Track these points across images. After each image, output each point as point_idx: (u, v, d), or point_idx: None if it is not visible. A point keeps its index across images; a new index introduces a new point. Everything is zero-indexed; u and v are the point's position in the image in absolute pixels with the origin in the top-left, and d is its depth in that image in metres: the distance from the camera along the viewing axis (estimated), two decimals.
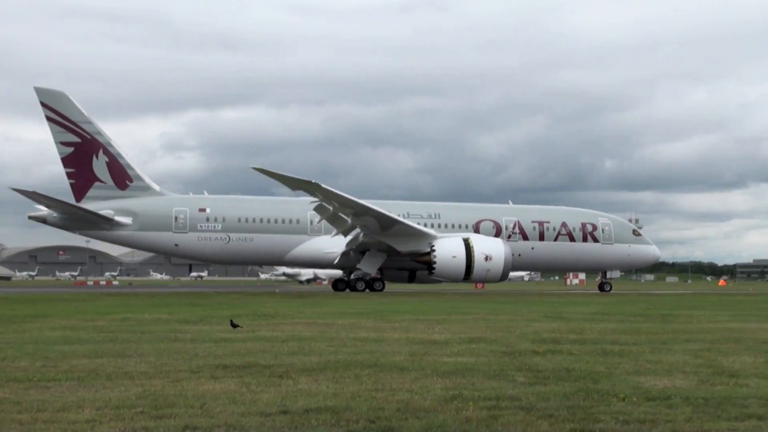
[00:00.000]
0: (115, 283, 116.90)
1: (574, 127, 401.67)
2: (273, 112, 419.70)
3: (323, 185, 51.78)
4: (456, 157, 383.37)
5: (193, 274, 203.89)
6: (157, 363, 14.18)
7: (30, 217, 58.46)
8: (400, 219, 56.98)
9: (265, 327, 22.11)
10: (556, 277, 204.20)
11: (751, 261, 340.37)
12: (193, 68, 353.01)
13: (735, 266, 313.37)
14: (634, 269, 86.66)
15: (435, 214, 62.05)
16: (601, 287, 66.90)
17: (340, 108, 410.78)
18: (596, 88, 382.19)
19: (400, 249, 57.39)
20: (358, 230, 57.31)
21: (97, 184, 57.77)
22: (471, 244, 56.62)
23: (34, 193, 55.73)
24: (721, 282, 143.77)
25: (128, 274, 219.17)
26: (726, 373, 13.46)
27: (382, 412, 9.93)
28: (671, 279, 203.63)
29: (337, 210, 55.28)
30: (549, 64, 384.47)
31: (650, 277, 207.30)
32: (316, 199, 54.55)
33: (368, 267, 59.01)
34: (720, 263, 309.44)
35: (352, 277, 60.64)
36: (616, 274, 68.41)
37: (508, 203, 66.39)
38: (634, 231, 65.76)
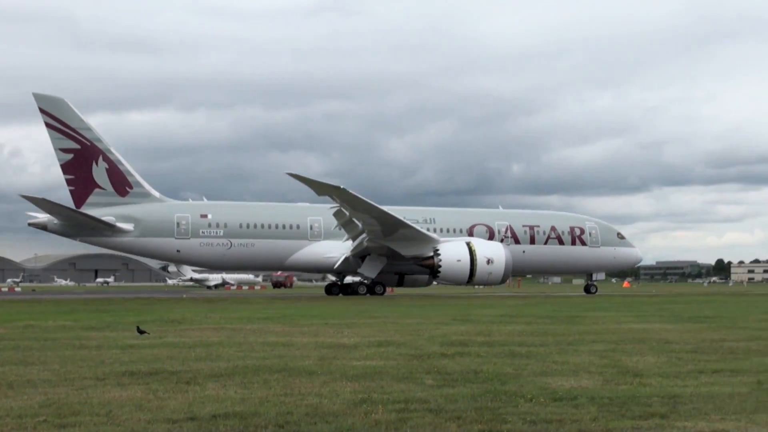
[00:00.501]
0: (18, 289, 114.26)
1: (483, 131, 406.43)
2: (181, 115, 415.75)
3: (349, 190, 53.37)
4: (365, 161, 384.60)
5: (99, 279, 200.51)
6: (61, 371, 13.90)
7: (30, 224, 58.23)
8: (411, 224, 58.26)
9: (172, 333, 21.86)
10: None
11: (654, 263, 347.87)
12: (99, 70, 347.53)
13: (639, 268, 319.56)
14: (619, 271, 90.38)
15: (430, 219, 63.19)
16: (587, 289, 68.98)
17: (249, 111, 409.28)
18: (505, 92, 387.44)
19: (404, 253, 58.72)
20: (363, 235, 58.64)
21: (97, 190, 57.71)
22: (473, 248, 58.12)
23: (44, 200, 55.38)
24: (626, 284, 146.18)
25: (31, 281, 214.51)
26: (630, 373, 13.69)
27: (290, 416, 9.88)
28: (577, 281, 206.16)
29: (353, 215, 56.58)
30: (458, 69, 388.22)
31: (557, 279, 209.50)
32: (336, 205, 56.28)
33: (369, 271, 60.14)
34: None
35: (348, 280, 63.24)
36: (602, 276, 71.55)
37: (498, 208, 68.17)
38: (618, 234, 68.02)
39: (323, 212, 61.00)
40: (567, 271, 77.43)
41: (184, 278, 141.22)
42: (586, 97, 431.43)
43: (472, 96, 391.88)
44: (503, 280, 61.04)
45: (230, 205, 63.95)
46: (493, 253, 58.18)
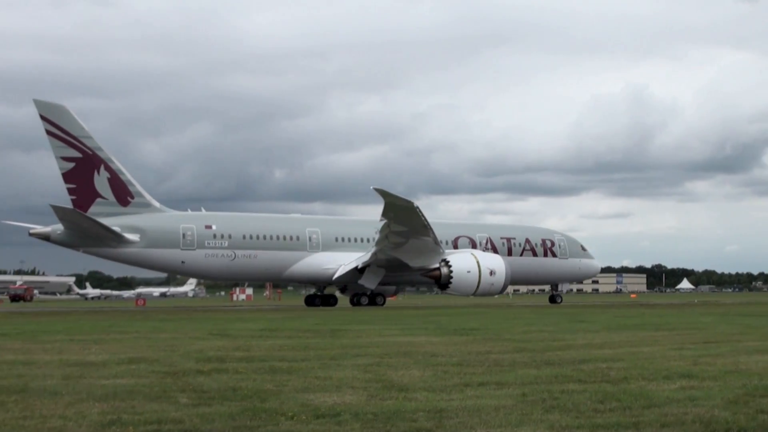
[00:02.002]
0: None
1: (244, 134, 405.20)
2: None
3: (418, 207, 58.00)
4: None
5: None
6: None
7: (31, 234, 59.18)
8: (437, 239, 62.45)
9: None
10: (222, 293, 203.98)
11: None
12: None
13: None
14: (581, 281, 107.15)
15: None
16: (552, 299, 75.55)
17: None
18: (267, 94, 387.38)
19: (412, 264, 62.79)
20: (377, 247, 62.14)
21: (98, 200, 58.83)
22: (477, 260, 63.20)
23: (73, 210, 56.42)
24: (392, 296, 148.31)
25: None
26: (395, 388, 13.98)
27: None
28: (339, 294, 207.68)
29: (393, 228, 59.54)
30: (219, 68, 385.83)
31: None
32: (384, 219, 59.38)
33: (369, 282, 63.77)
34: None
35: (337, 291, 68.32)
36: (567, 286, 79.28)
37: (474, 220, 74.59)
38: (581, 246, 75.56)
39: (321, 224, 66.81)
40: (538, 282, 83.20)
41: None
42: (352, 101, 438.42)
43: (233, 97, 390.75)
44: (502, 291, 66.60)
45: (234, 216, 66.59)
46: (495, 265, 63.05)
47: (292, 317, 43.25)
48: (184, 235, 60.55)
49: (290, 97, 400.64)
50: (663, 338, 25.79)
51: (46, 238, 58.37)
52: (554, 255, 72.67)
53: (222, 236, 61.61)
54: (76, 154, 57.95)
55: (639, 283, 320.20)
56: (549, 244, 72.71)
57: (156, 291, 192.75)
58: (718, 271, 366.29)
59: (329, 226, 66.67)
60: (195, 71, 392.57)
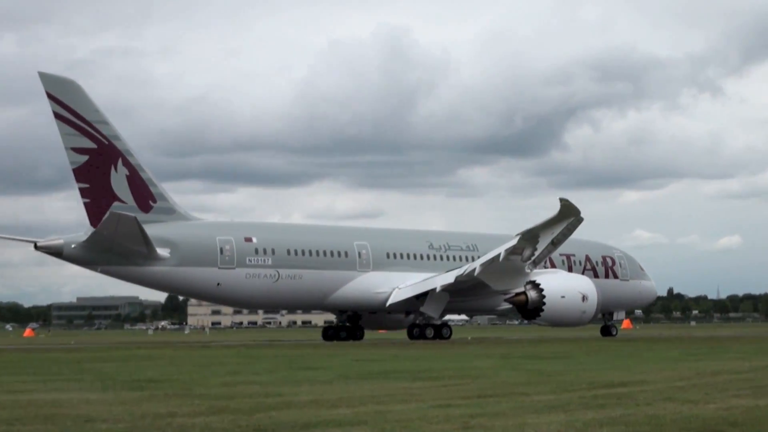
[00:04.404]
0: None
1: None
2: None
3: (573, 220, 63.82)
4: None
5: None
6: None
7: (39, 248, 61.49)
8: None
9: None
10: None
11: (74, 300, 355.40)
12: None
13: (50, 307, 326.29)
14: (641, 309, 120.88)
15: (473, 246, 74.39)
16: (606, 331, 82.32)
17: None
18: None
19: (495, 287, 68.09)
20: (463, 268, 67.99)
21: (116, 204, 61.01)
22: (568, 282, 70.03)
23: (134, 219, 58.56)
24: (29, 331, 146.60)
25: None
26: None
27: None
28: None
29: (520, 244, 64.44)
30: None
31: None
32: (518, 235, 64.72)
33: (432, 310, 69.37)
34: (32, 303, 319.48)
35: (418, 322, 71.19)
36: (622, 314, 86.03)
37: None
38: (639, 266, 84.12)
39: (370, 235, 73.12)
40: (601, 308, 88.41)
41: None
42: None
43: None
44: (591, 320, 73.68)
45: (276, 227, 74.93)
46: (587, 289, 69.57)
47: None
48: (221, 249, 64.37)
49: None
50: (422, 391, 25.57)
51: (57, 253, 60.97)
52: (615, 275, 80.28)
53: (264, 251, 66.09)
54: (91, 144, 60.98)
55: None
56: (610, 262, 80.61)
57: None
58: None
59: (379, 239, 72.86)
60: None
